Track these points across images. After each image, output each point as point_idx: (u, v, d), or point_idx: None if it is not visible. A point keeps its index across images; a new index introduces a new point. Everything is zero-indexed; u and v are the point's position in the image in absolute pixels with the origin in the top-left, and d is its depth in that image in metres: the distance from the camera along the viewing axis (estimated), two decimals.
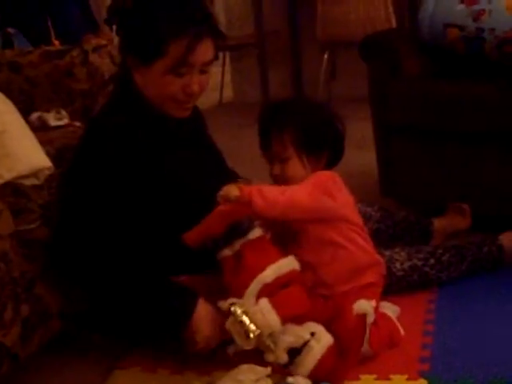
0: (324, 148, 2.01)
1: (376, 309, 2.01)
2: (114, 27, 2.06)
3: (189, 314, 1.91)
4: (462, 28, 2.74)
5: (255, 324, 1.79)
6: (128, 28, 2.01)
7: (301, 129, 1.98)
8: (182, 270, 2.03)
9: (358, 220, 2.05)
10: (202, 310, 1.93)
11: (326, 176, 2.00)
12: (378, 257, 2.07)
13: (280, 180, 2.01)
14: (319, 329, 1.87)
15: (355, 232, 2.01)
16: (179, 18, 1.95)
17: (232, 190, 1.84)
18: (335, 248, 1.97)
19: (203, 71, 2.00)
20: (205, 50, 1.97)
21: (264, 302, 1.81)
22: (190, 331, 1.92)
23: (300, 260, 1.93)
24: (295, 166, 1.99)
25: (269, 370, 1.87)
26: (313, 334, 1.85)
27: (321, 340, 1.84)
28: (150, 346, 2.12)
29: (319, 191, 1.94)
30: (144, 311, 1.95)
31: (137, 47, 1.98)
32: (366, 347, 1.93)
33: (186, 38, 1.92)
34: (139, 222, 1.99)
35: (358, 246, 1.99)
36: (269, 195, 1.86)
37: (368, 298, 1.97)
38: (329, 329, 1.97)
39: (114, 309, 2.02)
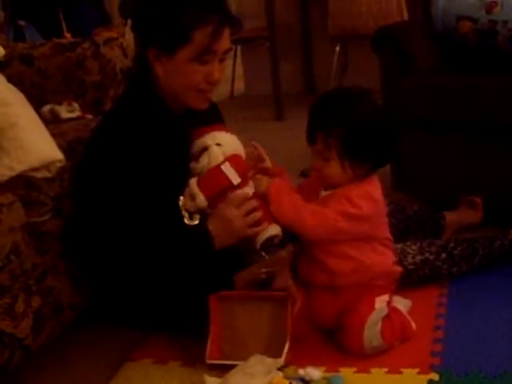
0: (369, 156, 1.92)
1: (389, 303, 2.00)
2: (129, 22, 2.06)
3: (207, 233, 1.95)
4: (474, 20, 2.74)
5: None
6: (150, 18, 2.01)
7: (348, 137, 1.88)
8: None
9: (386, 232, 2.04)
10: (214, 223, 1.96)
11: (375, 195, 1.96)
12: (395, 267, 2.07)
13: (318, 174, 1.98)
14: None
15: (377, 242, 2.00)
16: (204, 5, 1.96)
17: (262, 184, 1.95)
18: (349, 260, 1.97)
19: (222, 59, 2.01)
20: (226, 38, 1.99)
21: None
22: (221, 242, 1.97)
23: (315, 257, 1.96)
24: (335, 169, 1.92)
25: (279, 362, 1.88)
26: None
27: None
28: (162, 335, 2.13)
29: (352, 219, 1.92)
30: (172, 270, 1.97)
31: (160, 36, 1.97)
32: (379, 341, 1.93)
33: (210, 25, 1.93)
34: (151, 212, 1.99)
35: (374, 259, 1.98)
36: (283, 206, 1.92)
37: (380, 293, 1.99)
38: (340, 323, 1.98)
39: (131, 292, 2.04)
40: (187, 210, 1.97)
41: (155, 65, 2.00)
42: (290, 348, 1.89)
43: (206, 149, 2.00)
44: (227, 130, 2.07)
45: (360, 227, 1.94)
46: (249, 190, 1.99)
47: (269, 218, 1.96)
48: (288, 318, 1.91)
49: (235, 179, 1.96)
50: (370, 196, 1.94)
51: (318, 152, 1.93)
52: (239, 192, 1.97)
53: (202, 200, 1.96)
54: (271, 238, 1.98)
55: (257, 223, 1.96)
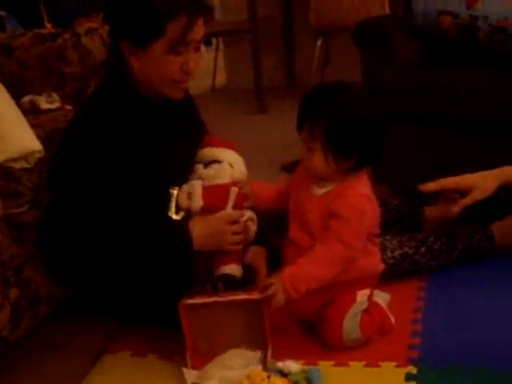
0: (353, 151, 1.89)
1: (369, 297, 2.01)
2: (101, 15, 2.05)
3: (187, 232, 1.95)
4: (455, 16, 2.74)
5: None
6: (121, 12, 2.00)
7: (332, 129, 1.86)
8: None
9: (376, 228, 2.04)
10: (194, 225, 1.97)
11: (371, 216, 1.94)
12: (381, 266, 2.07)
13: (304, 164, 1.97)
14: None
15: (368, 241, 2.00)
16: None
17: (279, 300, 1.88)
18: None
19: (197, 48, 2.00)
20: (200, 27, 1.97)
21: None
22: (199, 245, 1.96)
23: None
24: (319, 160, 1.90)
25: (258, 354, 1.88)
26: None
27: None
28: (141, 328, 2.13)
29: (362, 233, 1.93)
30: (148, 262, 1.97)
31: (133, 31, 1.96)
32: (357, 333, 1.94)
33: (183, 17, 1.92)
34: (127, 203, 1.98)
35: (363, 260, 1.97)
36: (301, 286, 1.87)
37: (362, 287, 2.00)
38: (320, 316, 1.99)
39: (108, 283, 2.05)
40: (176, 204, 1.98)
41: (129, 58, 1.98)
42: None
43: (218, 162, 2.05)
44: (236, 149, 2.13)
45: (364, 237, 1.95)
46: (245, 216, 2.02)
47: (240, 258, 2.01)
48: (265, 323, 1.91)
49: (230, 207, 2.01)
50: (365, 198, 1.93)
51: (304, 141, 1.92)
52: (237, 212, 2.00)
53: (197, 204, 1.98)
54: (233, 277, 1.99)
55: (238, 244, 2.00)
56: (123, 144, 1.95)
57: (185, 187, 2.00)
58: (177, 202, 1.98)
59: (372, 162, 1.96)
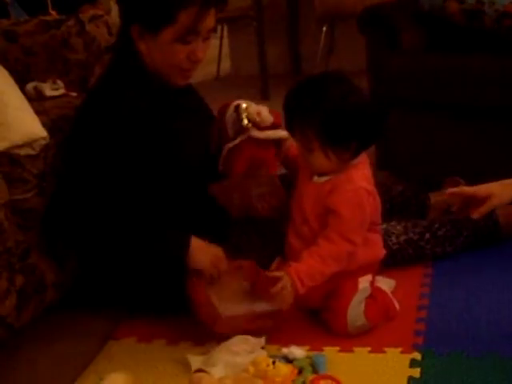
0: (351, 140, 1.87)
1: (372, 283, 2.01)
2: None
3: (186, 247, 1.96)
4: (461, 1, 2.73)
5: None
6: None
7: (325, 125, 1.83)
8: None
9: (377, 218, 2.04)
10: (197, 243, 1.98)
11: (370, 209, 1.93)
12: (382, 251, 2.07)
13: (305, 162, 1.96)
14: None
15: (369, 230, 1.99)
16: None
17: (288, 300, 1.89)
18: None
19: (206, 38, 2.00)
20: (211, 18, 1.97)
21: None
22: (192, 263, 1.97)
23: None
24: (320, 158, 1.89)
25: (263, 341, 1.89)
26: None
27: None
28: (147, 313, 2.13)
29: (362, 226, 1.94)
30: (143, 261, 2.01)
31: (144, 15, 1.96)
32: (362, 321, 1.94)
33: (195, 6, 1.91)
34: (138, 188, 1.99)
35: (365, 251, 1.98)
36: (308, 282, 1.89)
37: (364, 273, 2.00)
38: (324, 304, 1.99)
39: (113, 270, 2.07)
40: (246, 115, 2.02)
41: (138, 42, 1.99)
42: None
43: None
44: None
45: (364, 230, 1.96)
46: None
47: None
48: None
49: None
50: (363, 191, 1.91)
51: (300, 143, 1.91)
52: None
53: (269, 119, 2.02)
54: None
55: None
56: (139, 125, 1.96)
57: (251, 106, 2.03)
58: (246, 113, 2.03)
59: (371, 143, 1.95)
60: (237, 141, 2.02)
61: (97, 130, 1.96)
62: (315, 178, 1.96)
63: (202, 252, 1.99)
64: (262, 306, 1.94)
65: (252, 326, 1.93)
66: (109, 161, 1.94)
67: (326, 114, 1.83)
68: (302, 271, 1.88)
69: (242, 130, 2.01)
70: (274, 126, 2.04)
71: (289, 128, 1.93)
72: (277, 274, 1.90)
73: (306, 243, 1.96)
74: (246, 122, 2.00)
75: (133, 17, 1.99)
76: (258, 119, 2.00)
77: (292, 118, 1.90)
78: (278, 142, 2.07)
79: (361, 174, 1.94)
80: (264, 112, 2.01)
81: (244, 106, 2.02)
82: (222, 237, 2.11)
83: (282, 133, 2.05)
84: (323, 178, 1.94)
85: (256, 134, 2.00)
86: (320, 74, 1.97)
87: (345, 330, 1.95)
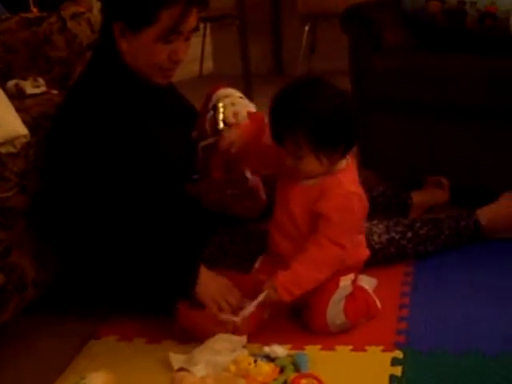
0: (341, 141, 1.88)
1: (354, 282, 2.01)
2: None
3: (194, 280, 1.96)
4: (443, 1, 2.74)
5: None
6: None
7: (317, 130, 1.83)
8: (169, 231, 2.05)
9: (364, 220, 2.07)
10: (206, 273, 1.98)
11: (356, 201, 1.94)
12: (366, 251, 2.08)
13: (293, 170, 1.93)
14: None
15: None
16: None
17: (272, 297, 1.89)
18: None
19: (188, 38, 2.00)
20: (194, 18, 1.97)
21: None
22: (200, 295, 1.96)
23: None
24: (311, 164, 1.88)
25: (244, 339, 1.89)
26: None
27: None
28: (127, 312, 2.13)
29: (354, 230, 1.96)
30: (139, 275, 1.99)
31: (127, 13, 1.95)
32: (342, 319, 1.94)
33: (178, 6, 1.91)
34: (119, 186, 1.98)
35: (351, 251, 1.97)
36: (295, 291, 1.88)
37: (346, 273, 2.00)
38: (304, 302, 1.99)
39: (95, 270, 2.05)
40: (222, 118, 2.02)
41: (120, 40, 1.98)
42: None
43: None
44: None
45: (354, 234, 1.98)
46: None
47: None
48: None
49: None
50: (352, 195, 1.92)
51: (289, 152, 1.89)
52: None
53: (244, 120, 2.01)
54: None
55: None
56: (120, 122, 1.96)
57: (229, 107, 2.01)
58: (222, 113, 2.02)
59: (355, 141, 1.95)
60: (211, 140, 2.02)
61: (77, 128, 1.96)
62: (303, 181, 1.96)
63: (211, 285, 1.98)
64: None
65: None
66: (89, 159, 1.94)
67: (316, 119, 1.84)
68: (290, 281, 1.88)
69: (217, 131, 2.01)
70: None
71: (278, 137, 1.90)
72: (260, 298, 1.89)
73: (290, 240, 1.97)
74: (221, 125, 2.00)
75: (115, 15, 1.98)
76: (233, 121, 2.00)
77: (281, 128, 1.89)
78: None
79: (350, 178, 1.95)
80: (241, 114, 2.01)
81: (220, 106, 2.01)
82: (204, 236, 2.11)
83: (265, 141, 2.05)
84: (311, 181, 1.94)
85: (231, 135, 2.00)
86: (300, 80, 1.95)
87: (324, 328, 1.95)
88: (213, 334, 1.88)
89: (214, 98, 2.06)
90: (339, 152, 1.90)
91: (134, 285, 2.01)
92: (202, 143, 2.03)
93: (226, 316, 1.90)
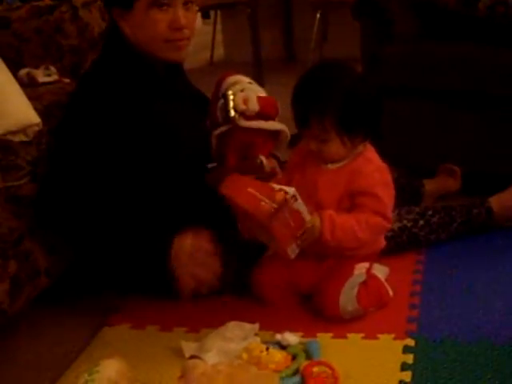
0: (365, 124, 1.92)
1: (368, 270, 2.02)
2: None
3: (166, 249, 1.96)
4: None
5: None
6: None
7: (344, 114, 1.86)
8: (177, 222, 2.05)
9: None
10: (180, 244, 1.97)
11: (388, 173, 2.00)
12: (383, 241, 2.09)
13: (316, 154, 1.96)
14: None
15: None
16: None
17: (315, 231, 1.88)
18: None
19: (187, 5, 2.00)
20: None
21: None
22: (173, 267, 1.97)
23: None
24: (336, 147, 1.91)
25: (256, 327, 1.89)
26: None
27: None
28: (140, 300, 2.14)
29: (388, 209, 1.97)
30: (128, 256, 2.00)
31: None
32: (354, 305, 1.95)
33: None
34: (131, 174, 1.99)
35: (374, 238, 2.01)
36: (339, 236, 1.89)
37: (362, 261, 2.02)
38: (318, 288, 1.99)
39: (101, 257, 2.05)
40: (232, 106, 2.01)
41: (121, 23, 2.00)
42: None
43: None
44: None
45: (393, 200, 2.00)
46: None
47: None
48: None
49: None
50: (384, 169, 1.98)
51: (314, 136, 1.91)
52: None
53: (254, 108, 1.99)
54: None
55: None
56: (133, 111, 1.96)
57: (239, 94, 2.01)
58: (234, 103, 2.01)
59: (379, 125, 1.97)
60: (223, 128, 2.02)
61: (89, 117, 1.96)
62: (329, 165, 1.97)
63: (184, 257, 1.98)
64: None
65: None
66: (101, 147, 1.94)
67: (344, 103, 1.87)
68: (337, 220, 1.90)
69: (228, 118, 2.01)
70: (263, 115, 2.02)
71: (303, 122, 1.92)
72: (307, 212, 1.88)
73: None
74: (232, 113, 1.99)
75: (107, 1, 2.00)
76: (244, 108, 1.99)
77: (307, 112, 1.90)
78: (273, 133, 2.06)
79: (374, 155, 2.00)
80: (251, 100, 2.00)
81: (230, 94, 2.01)
82: (223, 223, 2.11)
83: (276, 125, 2.04)
84: (336, 165, 1.96)
85: (242, 123, 2.00)
86: (322, 64, 1.99)
87: (336, 313, 1.95)
88: (255, 199, 1.84)
89: (224, 85, 2.06)
90: (361, 134, 1.92)
91: (127, 264, 2.03)
92: (215, 132, 2.03)
93: (280, 186, 1.86)
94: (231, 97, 2.00)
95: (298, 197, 1.82)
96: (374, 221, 1.93)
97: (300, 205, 1.83)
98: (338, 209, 1.94)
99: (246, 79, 2.11)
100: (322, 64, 2.01)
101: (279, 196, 1.80)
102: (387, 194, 1.96)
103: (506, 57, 2.53)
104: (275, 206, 1.79)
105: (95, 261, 2.09)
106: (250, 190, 1.84)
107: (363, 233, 1.92)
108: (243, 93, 2.02)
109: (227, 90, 2.03)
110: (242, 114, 1.99)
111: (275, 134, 2.07)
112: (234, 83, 2.06)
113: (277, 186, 1.84)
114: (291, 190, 1.81)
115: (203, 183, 2.03)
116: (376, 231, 1.98)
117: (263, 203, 1.80)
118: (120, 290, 2.17)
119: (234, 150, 2.03)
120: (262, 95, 2.05)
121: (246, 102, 2.00)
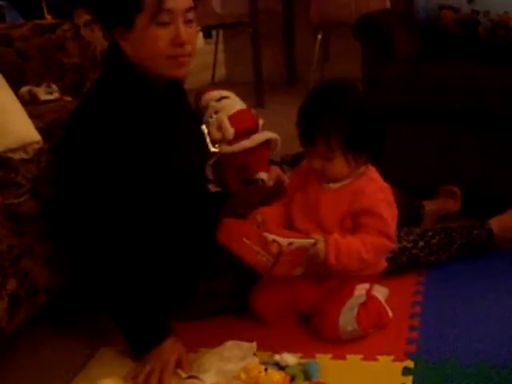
0: (370, 143, 1.93)
1: (368, 291, 2.01)
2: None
3: (152, 345, 1.93)
4: (456, 10, 2.74)
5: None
6: (99, 1, 2.02)
7: (350, 133, 1.87)
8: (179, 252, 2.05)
9: None
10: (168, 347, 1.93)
11: (391, 193, 2.00)
12: (385, 263, 2.09)
13: (318, 173, 1.96)
14: None
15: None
16: None
17: (321, 256, 1.89)
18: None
19: (187, 21, 1.98)
20: None
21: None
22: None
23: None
24: (340, 166, 1.92)
25: (254, 345, 1.88)
26: None
27: None
28: None
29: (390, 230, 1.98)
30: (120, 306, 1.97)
31: (114, 14, 1.97)
32: (353, 326, 1.94)
33: None
34: (134, 195, 1.98)
35: (376, 259, 2.01)
36: (344, 260, 1.90)
37: (362, 282, 2.01)
38: (317, 308, 1.99)
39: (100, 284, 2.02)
40: (210, 139, 2.04)
41: (122, 43, 1.99)
42: None
43: (225, 98, 2.15)
44: None
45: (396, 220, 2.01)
46: None
47: None
48: None
49: (258, 124, 2.09)
50: (386, 188, 1.99)
51: (319, 154, 1.92)
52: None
53: (229, 133, 2.04)
54: None
55: None
56: (132, 130, 1.95)
57: (212, 122, 2.02)
58: (210, 136, 2.04)
59: (382, 145, 1.98)
60: (214, 159, 2.04)
61: (90, 136, 1.95)
62: (331, 185, 1.97)
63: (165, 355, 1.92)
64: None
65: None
66: (102, 167, 1.93)
67: (350, 122, 1.88)
68: (341, 243, 1.90)
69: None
70: (243, 133, 2.03)
71: (308, 141, 1.92)
72: (306, 241, 1.88)
73: None
74: (212, 148, 2.01)
75: (108, 22, 2.00)
76: (220, 137, 2.01)
77: (313, 130, 1.90)
78: (263, 143, 2.07)
79: (377, 175, 2.01)
80: (224, 125, 2.02)
81: (204, 128, 2.04)
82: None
83: (260, 137, 2.06)
84: (338, 184, 1.97)
85: (226, 150, 2.01)
86: (328, 83, 2.00)
87: (335, 333, 1.95)
88: (251, 251, 1.83)
89: (201, 103, 2.10)
90: (365, 154, 1.93)
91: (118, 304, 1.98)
92: (209, 162, 2.04)
93: (273, 236, 1.83)
94: (205, 131, 2.02)
95: (293, 241, 1.82)
96: (379, 242, 1.94)
97: (296, 244, 1.84)
98: (340, 229, 1.95)
99: (218, 94, 2.11)
100: (328, 83, 2.03)
101: (274, 248, 1.80)
102: (390, 214, 1.97)
103: (508, 76, 2.54)
104: (272, 259, 1.80)
105: (91, 283, 2.07)
106: (245, 240, 1.84)
107: (368, 254, 1.92)
108: (215, 118, 2.03)
109: (205, 116, 2.05)
110: (221, 141, 2.01)
111: (265, 142, 2.08)
112: (206, 106, 2.08)
113: (270, 237, 1.82)
114: (284, 242, 1.81)
115: (204, 201, 2.03)
116: (380, 252, 1.99)
117: (260, 256, 1.82)
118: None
119: (232, 174, 2.04)
120: (233, 112, 2.05)
121: (220, 128, 2.01)
